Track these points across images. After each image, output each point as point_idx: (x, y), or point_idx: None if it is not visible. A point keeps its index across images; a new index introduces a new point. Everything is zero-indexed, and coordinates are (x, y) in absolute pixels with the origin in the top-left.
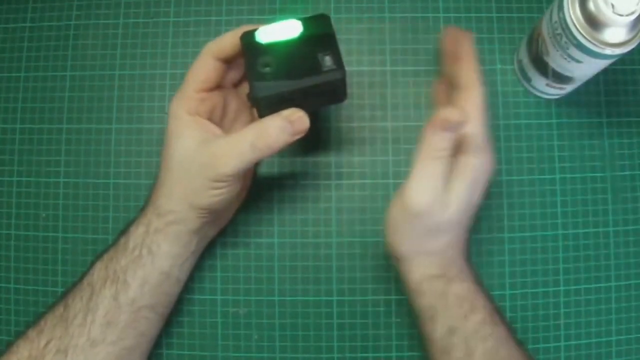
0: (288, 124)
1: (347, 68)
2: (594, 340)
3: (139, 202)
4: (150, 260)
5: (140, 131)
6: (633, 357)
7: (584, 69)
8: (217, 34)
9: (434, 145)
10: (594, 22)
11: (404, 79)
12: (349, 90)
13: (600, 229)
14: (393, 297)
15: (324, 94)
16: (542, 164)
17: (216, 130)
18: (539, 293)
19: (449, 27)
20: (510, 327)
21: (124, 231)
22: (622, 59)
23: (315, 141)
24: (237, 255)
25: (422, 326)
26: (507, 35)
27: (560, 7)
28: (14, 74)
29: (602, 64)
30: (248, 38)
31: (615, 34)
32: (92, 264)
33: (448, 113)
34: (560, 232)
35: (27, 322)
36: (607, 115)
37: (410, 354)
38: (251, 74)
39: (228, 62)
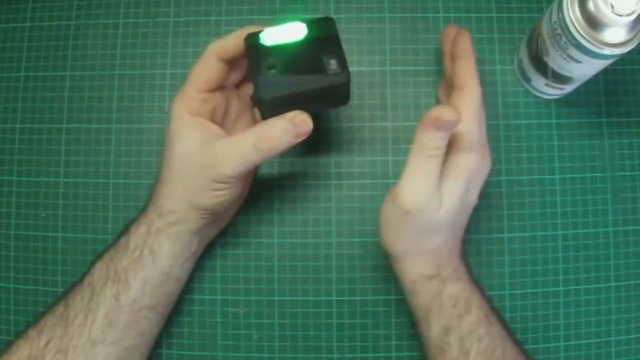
0: (291, 126)
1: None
2: (594, 340)
3: (139, 202)
4: (152, 260)
5: (140, 131)
6: (633, 357)
7: (583, 69)
8: (217, 34)
9: (427, 144)
10: (593, 22)
11: (404, 79)
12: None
13: (600, 229)
14: (393, 297)
15: (327, 97)
16: (542, 164)
17: (218, 131)
18: (539, 293)
19: (448, 25)
20: (507, 327)
21: (124, 231)
22: (622, 59)
23: (315, 141)
24: (237, 256)
25: (417, 325)
26: (507, 35)
27: (560, 8)
28: (14, 74)
29: (601, 64)
30: (252, 40)
31: (615, 34)
32: (93, 263)
33: (440, 111)
34: (560, 232)
35: (27, 322)
36: (607, 115)
37: (410, 354)
38: (256, 76)
39: (231, 63)
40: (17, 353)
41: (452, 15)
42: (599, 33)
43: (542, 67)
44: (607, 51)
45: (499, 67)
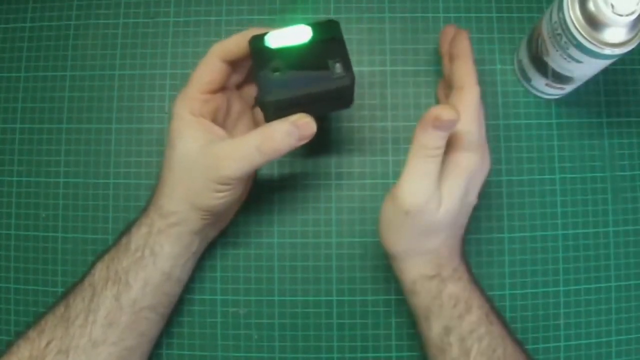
0: (295, 129)
1: None
2: (594, 340)
3: (139, 202)
4: (152, 261)
5: (140, 131)
6: (633, 357)
7: (583, 69)
8: (217, 34)
9: (426, 144)
10: (593, 22)
11: (404, 79)
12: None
13: (600, 229)
14: (393, 297)
15: (331, 100)
16: (542, 164)
17: (220, 132)
18: (539, 293)
19: (447, 25)
20: (508, 327)
21: (125, 231)
22: (622, 59)
23: (315, 141)
24: (237, 255)
25: (418, 325)
26: (507, 35)
27: (560, 7)
28: (14, 74)
29: (602, 64)
30: (257, 42)
31: (615, 34)
32: (93, 264)
33: (439, 111)
34: (560, 232)
35: (27, 322)
36: (607, 115)
37: (410, 354)
38: (261, 78)
39: (234, 64)
40: (17, 354)
41: (452, 15)
42: (599, 33)
43: (542, 67)
44: (607, 51)
45: (499, 67)
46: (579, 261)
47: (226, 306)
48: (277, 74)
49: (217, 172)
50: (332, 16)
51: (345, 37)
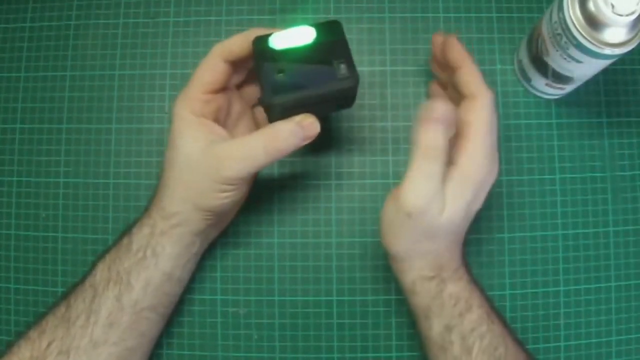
0: (299, 129)
1: None
2: (594, 340)
3: (139, 202)
4: (154, 262)
5: (140, 131)
6: (633, 357)
7: (583, 69)
8: (217, 34)
9: (427, 143)
10: (593, 22)
11: (404, 79)
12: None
13: (600, 229)
14: (393, 297)
15: (335, 101)
16: (542, 164)
17: (222, 132)
18: (539, 293)
19: (434, 34)
20: (508, 326)
21: (126, 232)
22: (622, 59)
23: (315, 141)
24: (237, 255)
25: (418, 324)
26: (507, 35)
27: (560, 7)
28: (14, 74)
29: (602, 64)
30: (261, 43)
31: (615, 34)
32: (94, 264)
33: (434, 106)
34: (560, 232)
35: (27, 322)
36: (607, 115)
37: (410, 354)
38: (265, 80)
39: (235, 64)
40: (18, 354)
41: (452, 15)
42: (599, 33)
43: (542, 67)
44: (607, 51)
45: (499, 67)
46: (579, 261)
47: (226, 306)
48: (282, 75)
49: (221, 172)
50: (332, 16)
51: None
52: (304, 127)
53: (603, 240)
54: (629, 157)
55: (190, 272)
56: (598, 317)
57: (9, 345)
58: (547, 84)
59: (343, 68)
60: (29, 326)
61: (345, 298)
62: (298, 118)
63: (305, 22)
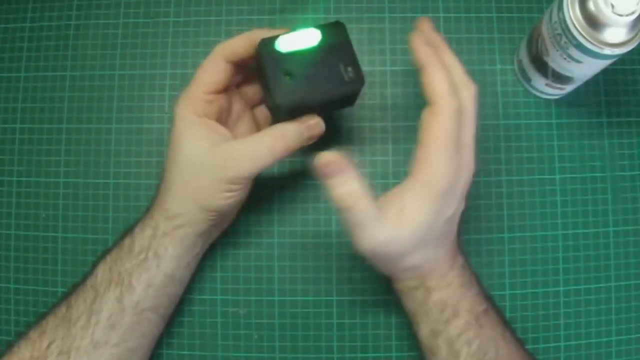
0: (305, 129)
1: None
2: (594, 340)
3: (139, 202)
4: (156, 263)
5: (140, 131)
6: (633, 357)
7: (583, 69)
8: (217, 34)
9: (337, 195)
10: (593, 22)
11: (404, 79)
12: None
13: (600, 229)
14: (393, 297)
15: (339, 101)
16: (542, 164)
17: (225, 131)
18: (539, 293)
19: (416, 21)
20: (506, 326)
21: (128, 232)
22: (622, 59)
23: (317, 141)
24: (237, 255)
25: (411, 327)
26: (507, 35)
27: (560, 8)
28: (14, 74)
29: (602, 64)
30: (267, 46)
31: (615, 34)
32: (95, 265)
33: (320, 160)
34: (560, 232)
35: (27, 322)
36: (607, 115)
37: (410, 354)
38: (273, 82)
39: (237, 65)
40: (18, 354)
41: (452, 15)
42: (599, 33)
43: (542, 67)
44: (607, 51)
45: (499, 67)
46: (579, 261)
47: (226, 306)
48: (289, 77)
49: (227, 172)
50: (332, 16)
51: None
52: (309, 127)
53: (603, 240)
54: (629, 157)
55: (191, 272)
56: (598, 317)
57: (9, 346)
58: (547, 84)
59: (350, 71)
60: (29, 326)
61: (345, 298)
62: (303, 118)
63: (305, 22)
